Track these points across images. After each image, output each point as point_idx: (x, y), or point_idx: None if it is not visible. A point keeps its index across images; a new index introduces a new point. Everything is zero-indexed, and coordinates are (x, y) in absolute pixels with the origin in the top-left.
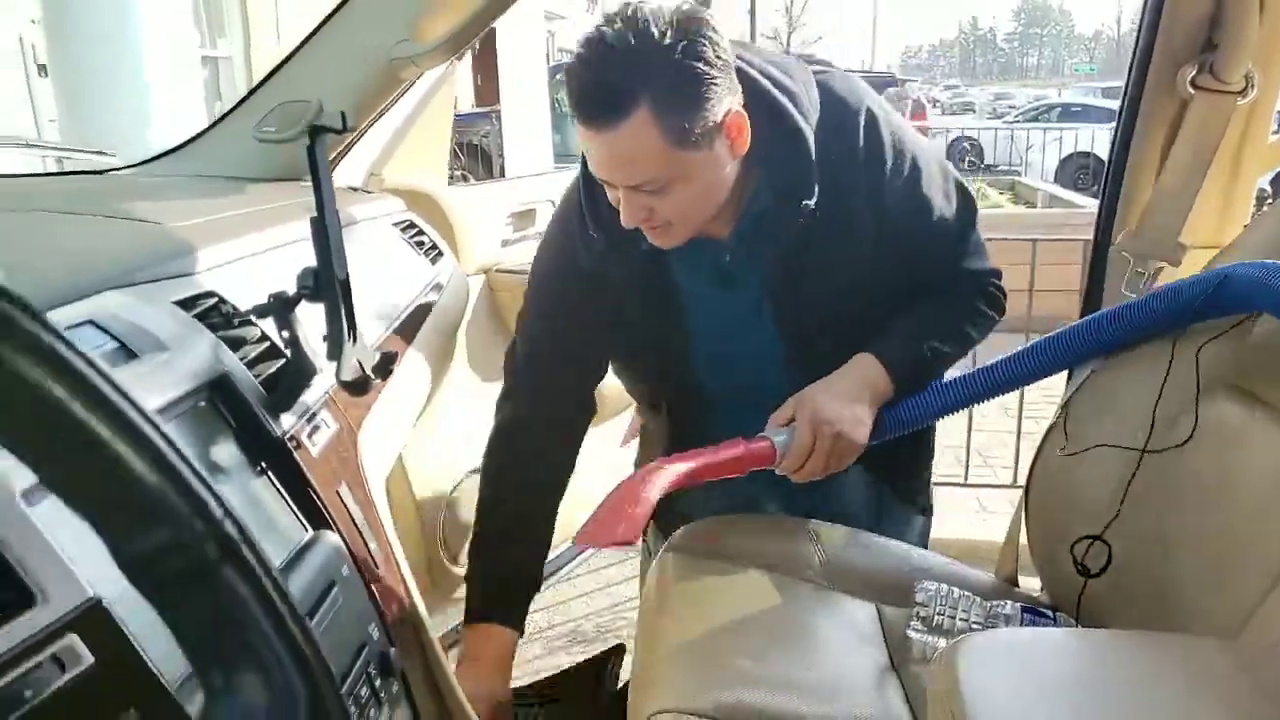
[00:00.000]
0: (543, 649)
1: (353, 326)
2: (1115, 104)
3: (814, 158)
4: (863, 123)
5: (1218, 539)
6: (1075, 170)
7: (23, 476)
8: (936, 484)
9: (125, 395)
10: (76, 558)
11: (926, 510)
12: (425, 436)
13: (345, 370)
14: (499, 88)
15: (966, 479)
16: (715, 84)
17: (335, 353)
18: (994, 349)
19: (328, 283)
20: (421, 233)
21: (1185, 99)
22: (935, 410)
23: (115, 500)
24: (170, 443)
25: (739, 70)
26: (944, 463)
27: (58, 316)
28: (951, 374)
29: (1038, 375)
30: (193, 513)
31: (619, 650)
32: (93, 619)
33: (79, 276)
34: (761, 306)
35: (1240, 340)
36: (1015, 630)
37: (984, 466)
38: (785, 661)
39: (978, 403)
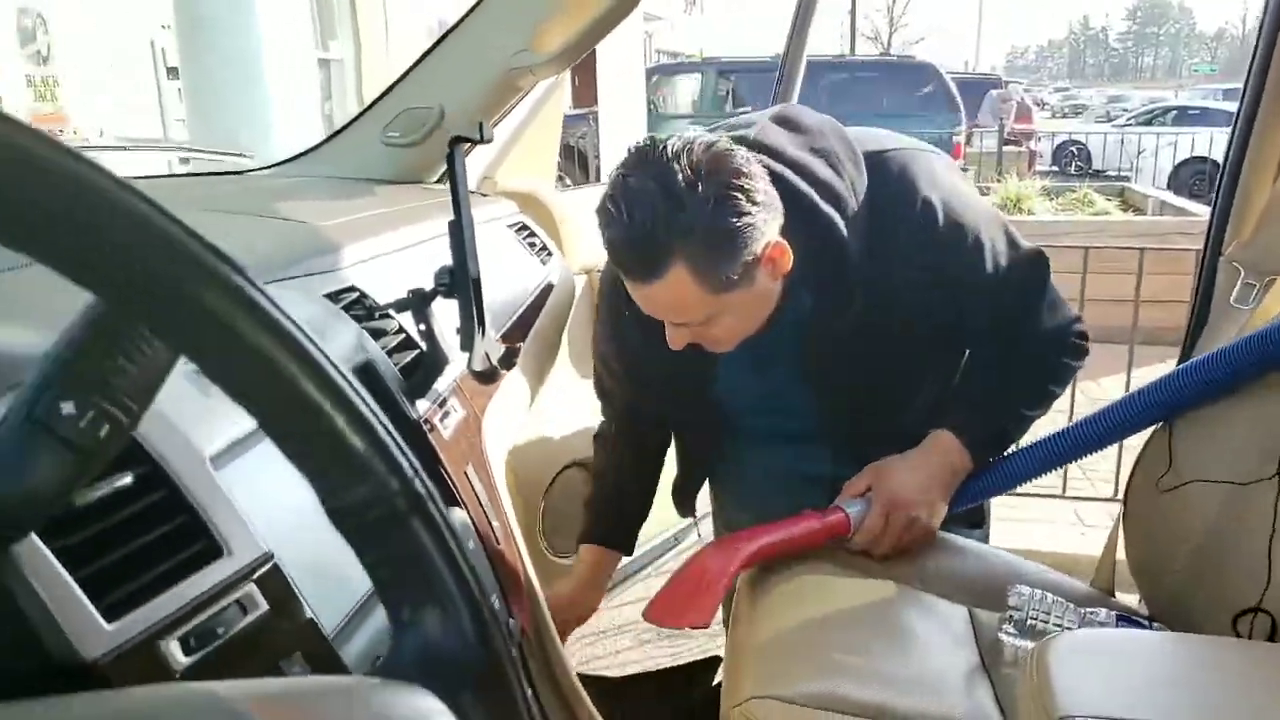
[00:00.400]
0: (632, 640)
1: (483, 321)
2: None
3: (851, 265)
4: (918, 209)
5: None
6: (1191, 176)
7: (211, 444)
8: (1033, 495)
9: (342, 372)
10: (251, 515)
11: (979, 523)
12: (528, 429)
13: (476, 361)
14: (596, 90)
15: (1064, 491)
16: (752, 228)
17: (468, 345)
18: (1095, 361)
19: (463, 280)
20: (533, 234)
21: None
22: (1021, 477)
23: (330, 459)
24: (375, 413)
25: (776, 178)
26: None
27: None
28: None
29: (1125, 433)
30: (389, 471)
31: (715, 661)
32: (267, 571)
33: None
34: (797, 380)
35: None
36: (1109, 630)
37: (1082, 479)
38: (876, 657)
39: (1071, 462)
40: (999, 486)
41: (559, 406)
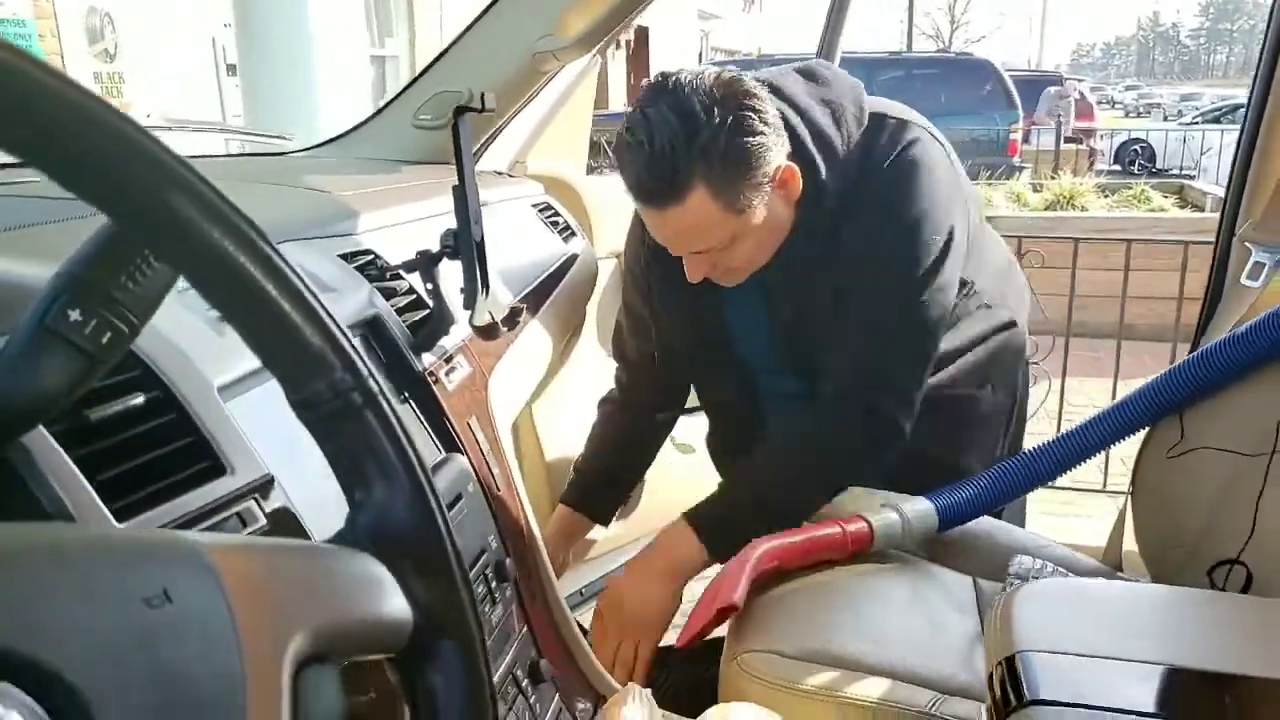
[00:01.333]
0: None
1: (486, 281)
2: None
3: (824, 209)
4: (886, 170)
5: None
6: None
7: (220, 376)
8: (1074, 489)
9: (306, 284)
10: (255, 441)
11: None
12: (557, 406)
13: (478, 317)
14: None
15: (1105, 486)
16: (765, 149)
17: (470, 302)
18: (1134, 360)
19: (466, 243)
20: (557, 214)
21: None
22: (1044, 476)
23: (291, 355)
24: (331, 318)
25: (783, 118)
26: None
27: None
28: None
29: (1141, 425)
30: (344, 368)
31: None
32: (266, 489)
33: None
34: (769, 312)
35: None
36: (1075, 579)
37: (1125, 474)
38: (875, 620)
39: (1090, 458)
40: (1028, 485)
41: (588, 387)
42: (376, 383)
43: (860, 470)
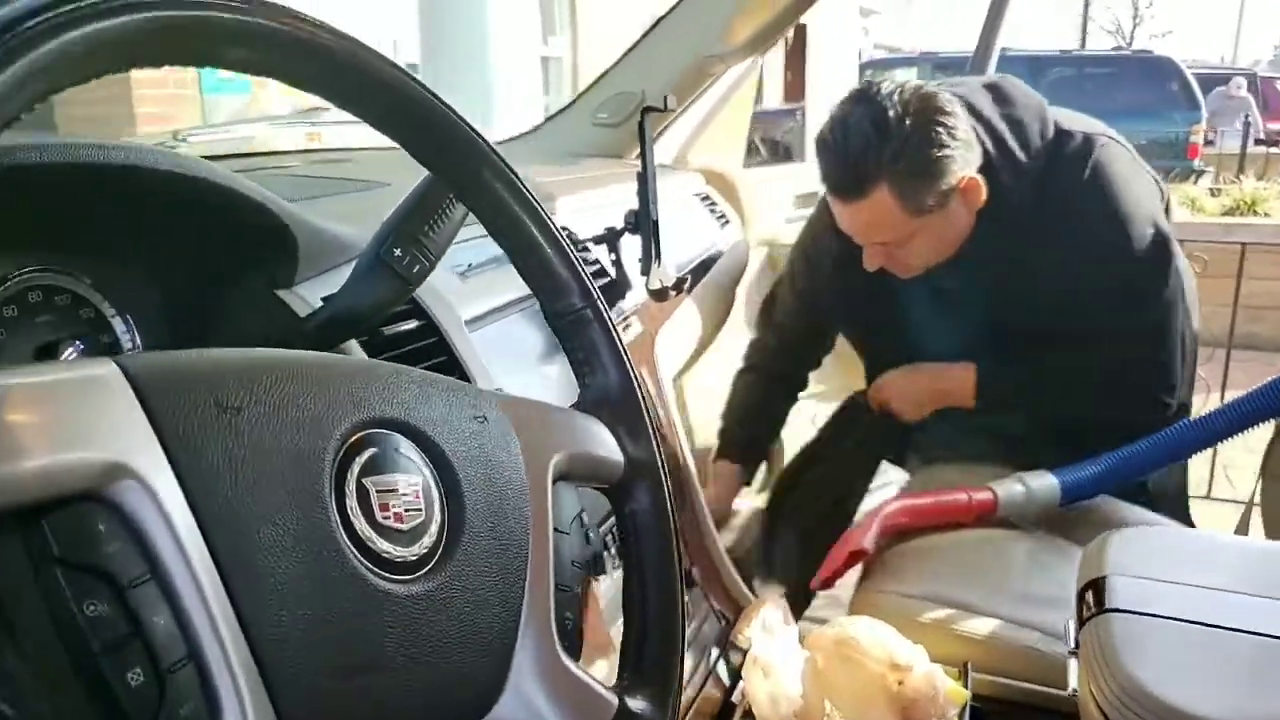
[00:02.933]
0: None
1: (659, 253)
2: None
3: (1006, 229)
4: (1081, 205)
5: None
6: None
7: (465, 313)
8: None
9: (560, 232)
10: (490, 363)
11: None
12: (706, 382)
13: (652, 282)
14: (805, 85)
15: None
16: (950, 160)
17: (646, 269)
18: None
19: (645, 221)
20: (715, 204)
21: None
22: (1130, 474)
23: (549, 280)
24: (576, 257)
25: (979, 120)
26: None
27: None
28: None
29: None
30: (581, 293)
31: None
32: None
33: None
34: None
35: None
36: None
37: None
38: (991, 574)
39: (1201, 450)
40: (1151, 466)
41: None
42: (603, 303)
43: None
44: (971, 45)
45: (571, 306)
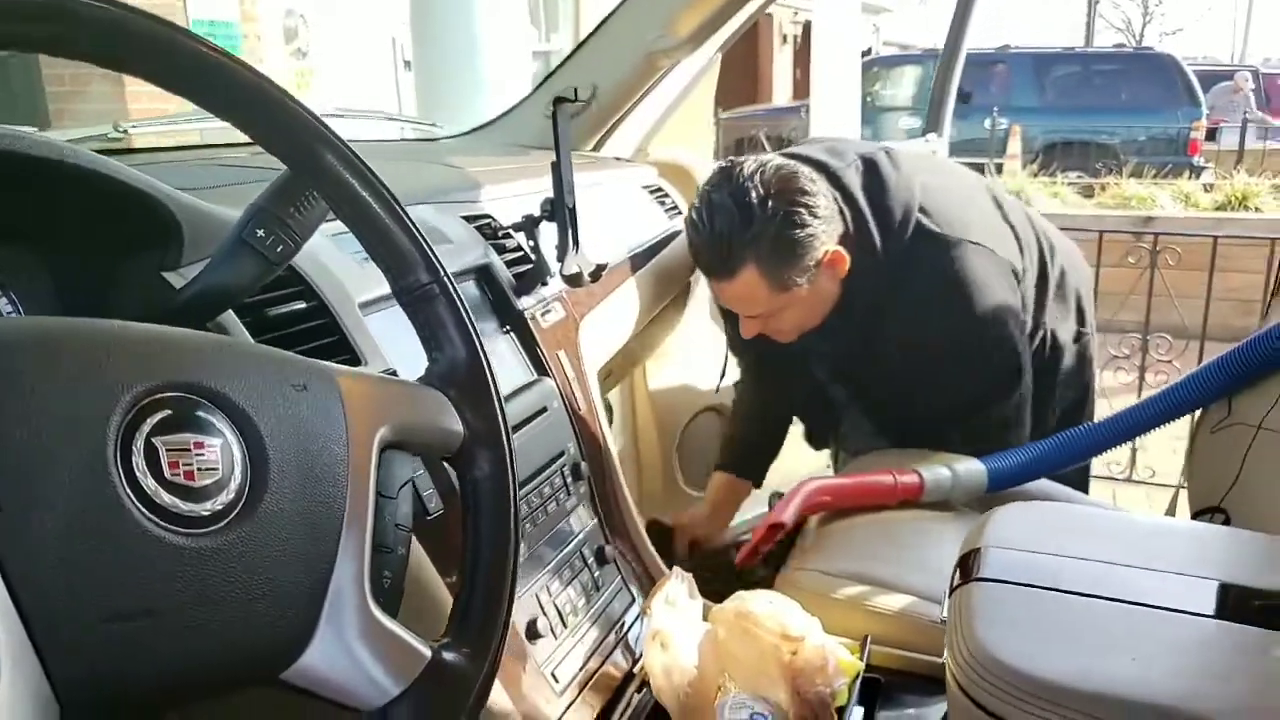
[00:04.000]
0: None
1: (576, 240)
2: None
3: (860, 302)
4: (939, 306)
5: None
6: None
7: (361, 295)
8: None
9: (403, 210)
10: (384, 347)
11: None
12: (669, 375)
13: (567, 269)
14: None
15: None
16: (813, 238)
17: (561, 255)
18: None
19: (560, 208)
20: (666, 195)
21: None
22: (1093, 449)
23: (393, 256)
24: (420, 234)
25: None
26: None
27: None
28: None
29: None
30: (427, 267)
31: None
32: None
33: (403, 195)
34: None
35: None
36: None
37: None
38: (913, 552)
39: (1141, 434)
40: (1078, 456)
41: (700, 356)
42: (448, 278)
43: None
44: (981, 43)
45: (418, 282)
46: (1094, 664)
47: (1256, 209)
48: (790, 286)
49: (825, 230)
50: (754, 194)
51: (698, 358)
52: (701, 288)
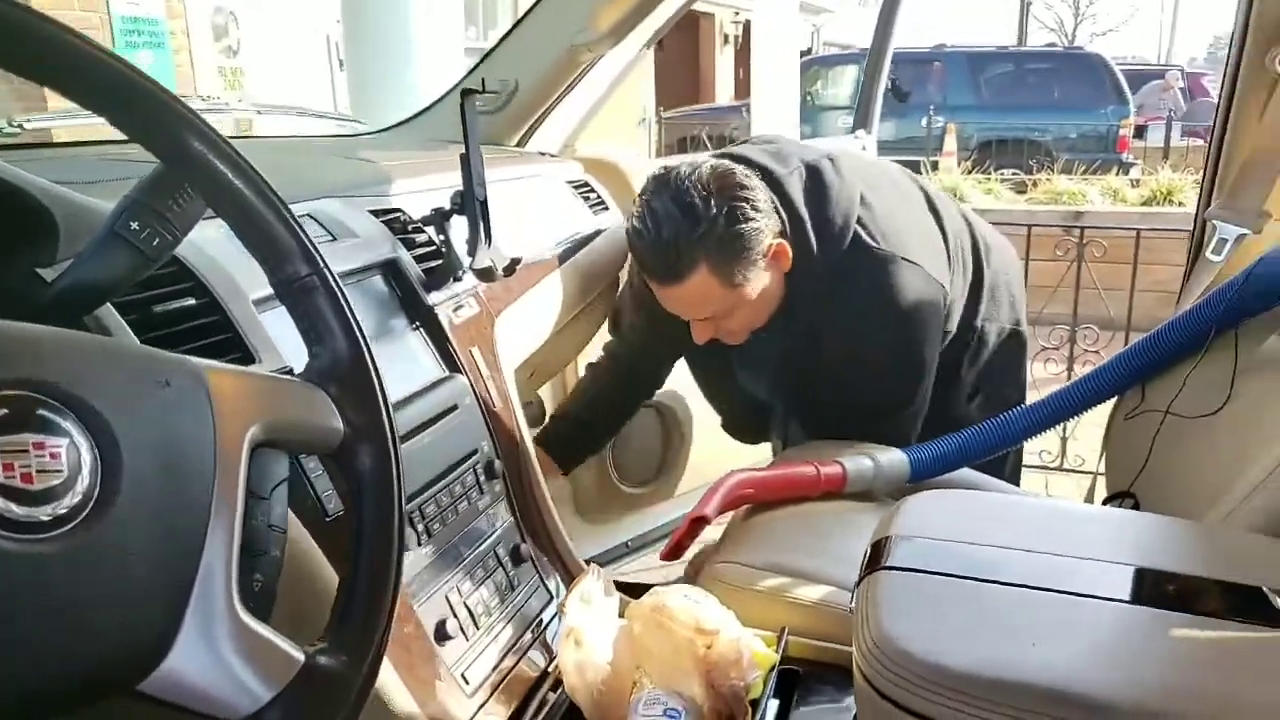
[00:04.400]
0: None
1: (488, 233)
2: None
3: (799, 302)
4: (866, 319)
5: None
6: None
7: (255, 292)
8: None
9: (280, 200)
10: (281, 345)
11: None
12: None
13: (478, 262)
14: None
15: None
16: (759, 232)
17: (472, 249)
18: None
19: (470, 200)
20: (592, 190)
21: (1275, 77)
22: (978, 454)
23: (270, 248)
24: (299, 225)
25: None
26: None
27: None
28: None
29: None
30: (306, 259)
31: None
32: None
33: (310, 188)
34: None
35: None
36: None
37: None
38: (834, 544)
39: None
40: (998, 446)
41: None
42: (329, 270)
43: None
44: (917, 42)
45: (296, 274)
46: (1001, 652)
47: (1180, 204)
48: (741, 283)
49: (767, 223)
50: (695, 195)
51: None
52: None
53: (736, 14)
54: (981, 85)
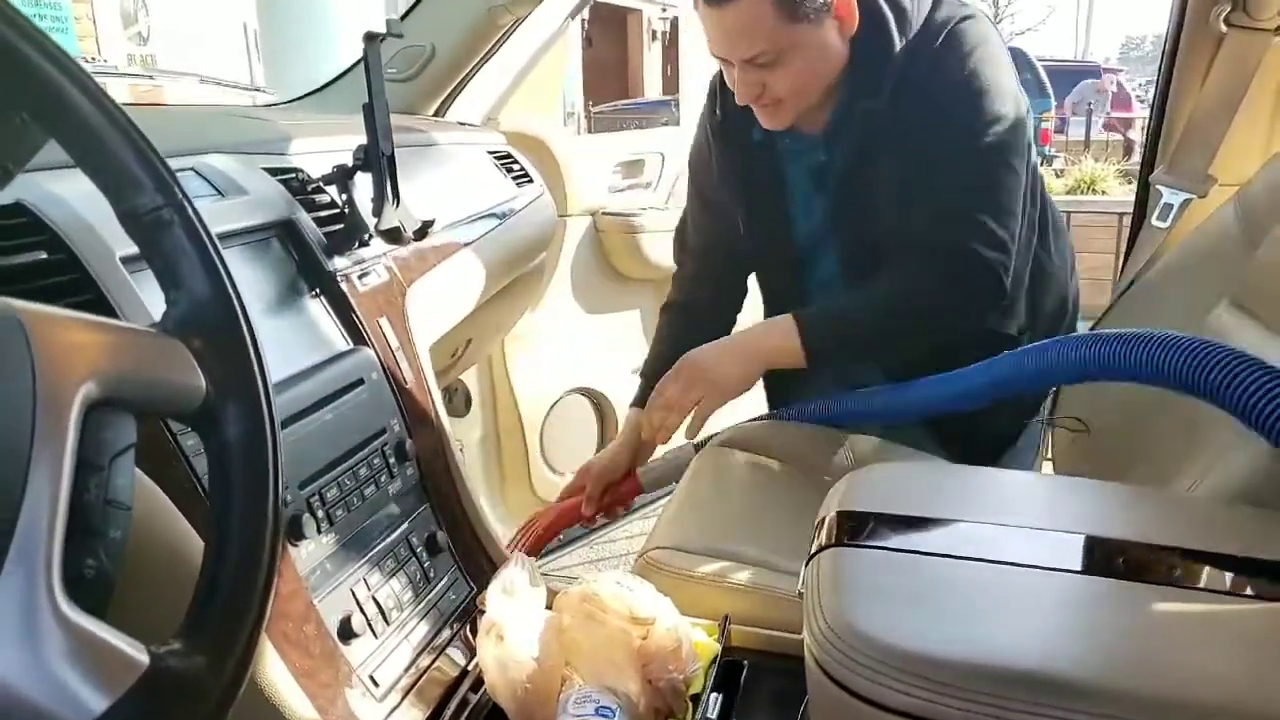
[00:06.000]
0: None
1: (396, 192)
2: None
3: (892, 71)
4: (955, 59)
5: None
6: None
7: (121, 249)
8: None
9: (129, 120)
10: (154, 309)
11: None
12: (531, 358)
13: (384, 223)
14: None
15: None
16: None
17: (378, 209)
18: None
19: (375, 156)
20: (515, 163)
21: (1219, 36)
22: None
23: (113, 172)
24: (152, 148)
25: None
26: None
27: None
28: None
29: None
30: (158, 187)
31: None
32: None
33: (194, 142)
34: (832, 211)
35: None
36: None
37: None
38: (769, 527)
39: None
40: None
41: (562, 338)
42: (187, 200)
43: (957, 326)
44: None
45: (146, 206)
46: (966, 631)
47: (1103, 192)
48: (797, 16)
49: None
50: None
51: (555, 339)
52: (562, 267)
53: (664, 10)
54: None
